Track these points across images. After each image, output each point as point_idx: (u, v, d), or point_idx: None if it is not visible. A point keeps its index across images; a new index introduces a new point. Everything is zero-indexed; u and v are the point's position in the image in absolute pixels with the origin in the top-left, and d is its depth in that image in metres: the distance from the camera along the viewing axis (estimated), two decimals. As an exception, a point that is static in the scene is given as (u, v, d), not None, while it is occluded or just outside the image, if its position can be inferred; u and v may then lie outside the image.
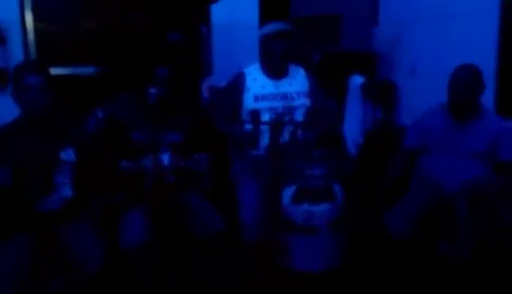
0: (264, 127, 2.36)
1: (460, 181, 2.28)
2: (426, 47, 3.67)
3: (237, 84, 2.48)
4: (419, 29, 3.76)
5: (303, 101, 2.50)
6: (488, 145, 2.34)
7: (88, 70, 3.20)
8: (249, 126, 2.40)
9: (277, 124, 2.25)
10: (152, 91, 2.13)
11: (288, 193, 2.13)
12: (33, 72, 1.90)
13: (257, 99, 2.43)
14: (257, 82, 2.46)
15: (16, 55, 3.05)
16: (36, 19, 3.58)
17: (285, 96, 2.46)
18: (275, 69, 2.47)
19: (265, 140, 2.39)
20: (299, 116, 2.48)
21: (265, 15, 4.47)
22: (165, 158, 2.14)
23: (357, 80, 3.70)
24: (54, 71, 2.60)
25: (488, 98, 2.67)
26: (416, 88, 3.71)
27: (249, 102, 2.43)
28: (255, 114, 2.40)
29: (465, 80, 2.32)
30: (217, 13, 3.51)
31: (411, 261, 2.37)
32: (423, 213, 2.40)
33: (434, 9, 3.59)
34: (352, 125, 3.67)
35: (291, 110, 2.45)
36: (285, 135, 2.36)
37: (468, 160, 2.36)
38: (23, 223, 1.91)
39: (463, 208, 2.24)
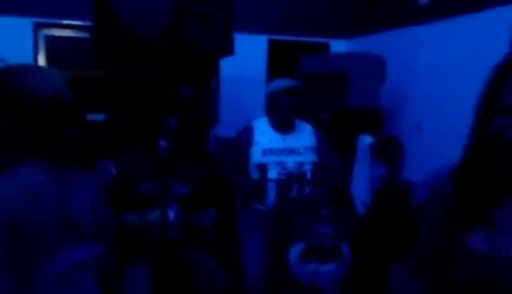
0: (271, 183, 2.34)
1: None
2: (430, 104, 3.73)
3: (245, 137, 2.49)
4: (423, 86, 3.83)
5: (310, 157, 2.50)
6: None
7: (98, 117, 3.23)
8: (256, 180, 2.39)
9: (286, 183, 2.24)
10: (163, 143, 2.14)
11: (295, 251, 2.10)
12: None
13: (264, 153, 2.44)
14: (265, 136, 2.47)
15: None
16: (49, 63, 3.67)
17: (292, 151, 2.47)
18: (282, 123, 2.50)
19: (271, 195, 2.38)
20: (307, 172, 2.48)
21: (272, 70, 4.57)
22: (171, 213, 2.11)
23: (366, 139, 3.72)
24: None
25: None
26: (421, 144, 3.74)
27: (256, 156, 2.44)
28: (262, 169, 2.40)
29: None
30: (227, 66, 3.59)
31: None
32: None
33: (437, 66, 3.67)
34: (361, 184, 3.66)
35: (300, 167, 2.45)
36: (293, 191, 2.35)
37: None
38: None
39: None
